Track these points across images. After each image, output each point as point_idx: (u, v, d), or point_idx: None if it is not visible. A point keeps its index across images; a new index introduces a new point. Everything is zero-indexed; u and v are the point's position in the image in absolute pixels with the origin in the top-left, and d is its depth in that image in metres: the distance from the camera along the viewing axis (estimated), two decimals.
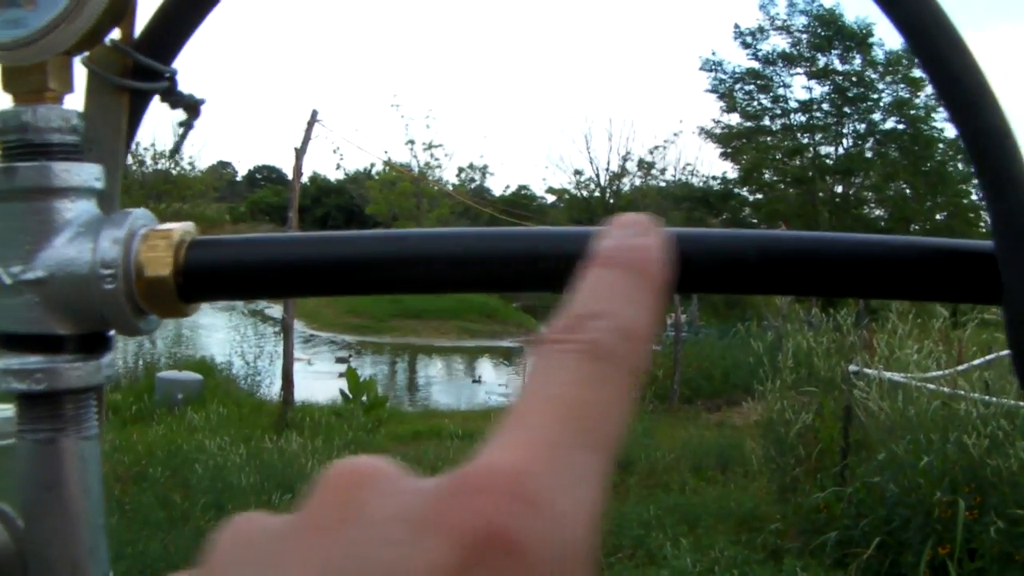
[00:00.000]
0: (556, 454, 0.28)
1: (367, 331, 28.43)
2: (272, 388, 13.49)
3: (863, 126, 37.31)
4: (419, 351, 26.77)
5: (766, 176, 38.78)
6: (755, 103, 38.75)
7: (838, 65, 37.04)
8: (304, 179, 13.57)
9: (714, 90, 39.32)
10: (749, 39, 38.20)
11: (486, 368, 24.44)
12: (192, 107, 0.63)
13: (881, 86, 36.59)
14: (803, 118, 37.88)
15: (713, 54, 42.84)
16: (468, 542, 0.25)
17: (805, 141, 37.96)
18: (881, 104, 36.73)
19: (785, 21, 37.38)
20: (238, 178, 60.61)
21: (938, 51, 0.48)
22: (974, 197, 34.38)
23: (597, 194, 44.58)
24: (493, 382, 21.30)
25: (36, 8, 0.53)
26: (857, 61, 36.78)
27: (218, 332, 20.45)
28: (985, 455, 5.80)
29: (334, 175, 50.24)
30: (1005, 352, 7.24)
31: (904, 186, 36.49)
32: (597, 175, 44.34)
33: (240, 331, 18.38)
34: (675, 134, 45.81)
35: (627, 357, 0.32)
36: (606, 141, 59.06)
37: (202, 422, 10.19)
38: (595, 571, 0.28)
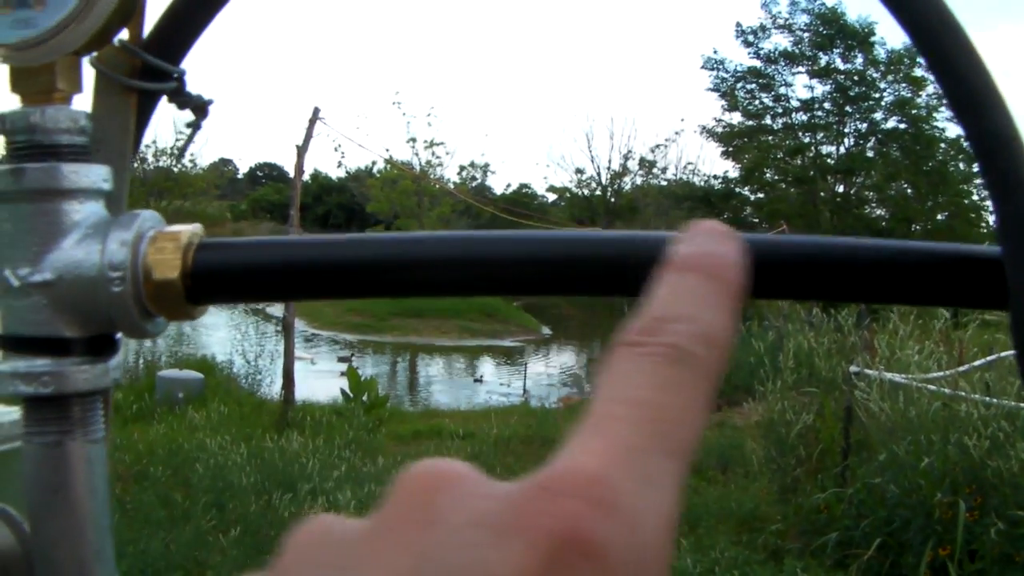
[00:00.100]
0: (634, 458, 0.28)
1: (368, 330, 28.45)
2: (273, 387, 13.49)
3: (865, 125, 37.33)
4: (420, 350, 26.80)
5: (767, 175, 38.80)
6: (757, 102, 38.78)
7: (840, 64, 37.07)
8: (306, 177, 13.61)
9: (716, 89, 39.37)
10: (751, 38, 38.24)
11: (487, 367, 24.46)
12: (200, 108, 0.63)
13: (883, 85, 36.61)
14: (805, 117, 37.89)
15: (715, 52, 42.79)
16: (549, 545, 0.25)
17: (807, 140, 37.96)
18: (883, 103, 36.74)
19: (787, 20, 37.42)
20: (239, 176, 60.66)
21: (945, 53, 0.48)
22: (975, 197, 34.43)
23: (598, 193, 44.69)
24: (494, 381, 21.33)
25: (45, 8, 0.53)
26: (859, 60, 36.80)
27: (219, 331, 20.46)
28: (986, 456, 5.80)
29: (336, 173, 50.38)
30: (1006, 353, 7.27)
31: (905, 186, 36.49)
32: (598, 174, 44.50)
33: (241, 330, 18.39)
34: (676, 133, 46.14)
35: (706, 362, 0.32)
36: (607, 140, 59.31)
37: (203, 421, 10.20)
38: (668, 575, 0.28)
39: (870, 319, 10.48)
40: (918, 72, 33.80)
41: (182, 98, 0.62)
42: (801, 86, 38.76)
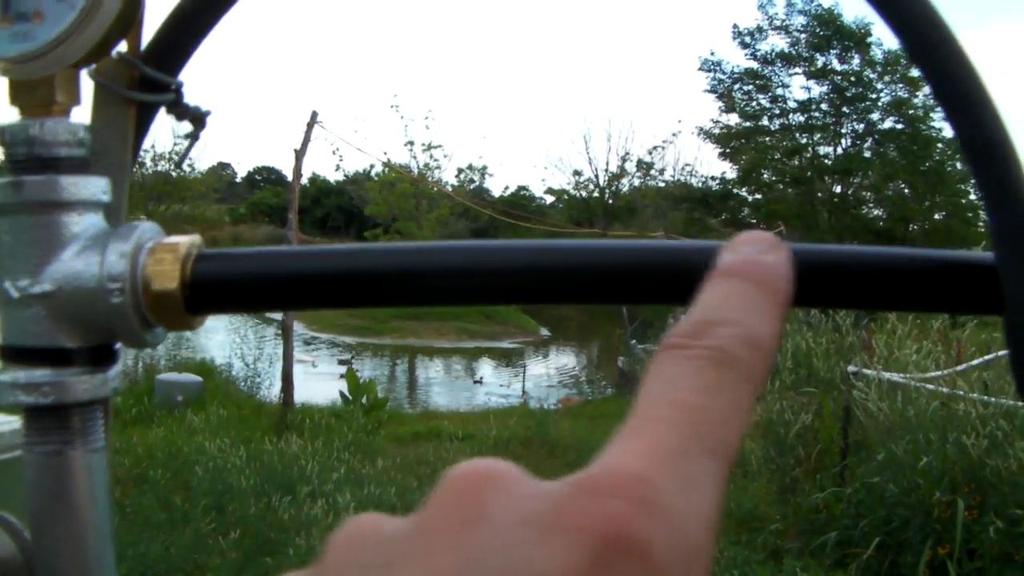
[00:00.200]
0: (676, 459, 0.29)
1: (367, 332, 28.46)
2: (272, 390, 13.49)
3: (862, 126, 37.35)
4: (418, 352, 26.79)
5: (765, 176, 38.79)
6: (754, 103, 38.79)
7: (836, 65, 37.07)
8: (304, 180, 13.58)
9: (713, 90, 39.38)
10: (748, 39, 38.26)
11: (486, 369, 24.45)
12: (198, 119, 0.63)
13: (880, 86, 36.60)
14: (802, 118, 37.89)
15: (712, 54, 42.80)
16: (595, 544, 0.25)
17: (804, 141, 37.97)
18: (880, 104, 36.75)
19: (784, 21, 37.45)
20: (238, 179, 60.75)
21: (936, 60, 0.49)
22: (973, 196, 34.36)
23: (596, 195, 44.65)
24: (493, 383, 21.32)
25: (44, 22, 0.54)
26: (855, 61, 36.81)
27: (218, 334, 20.45)
28: (984, 455, 5.80)
29: (334, 176, 50.24)
30: (1004, 352, 7.26)
31: (903, 186, 36.48)
32: (596, 176, 44.50)
33: (240, 333, 18.37)
34: (674, 134, 45.95)
35: (750, 366, 0.32)
36: (605, 142, 59.25)
37: (202, 424, 10.19)
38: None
39: (868, 319, 10.48)
40: (915, 72, 33.77)
41: (180, 109, 0.62)
42: (798, 87, 38.99)
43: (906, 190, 36.54)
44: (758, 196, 39.19)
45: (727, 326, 0.33)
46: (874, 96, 36.69)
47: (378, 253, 0.55)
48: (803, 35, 37.05)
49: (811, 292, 0.50)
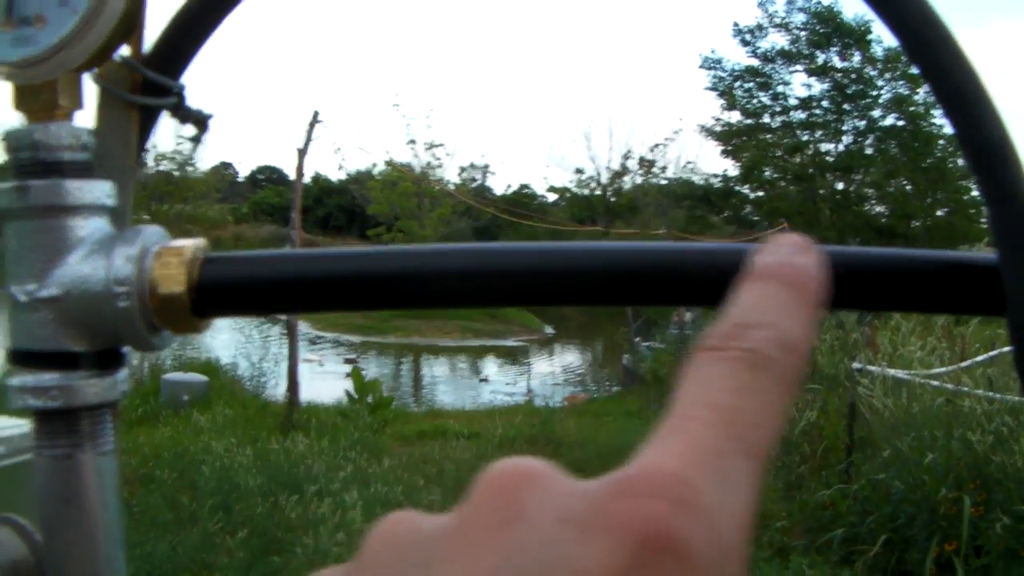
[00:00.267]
0: (712, 459, 0.29)
1: (371, 331, 28.46)
2: (277, 389, 13.49)
3: (863, 123, 37.31)
4: (423, 351, 26.79)
5: (767, 173, 38.77)
6: (755, 101, 38.77)
7: (837, 62, 37.06)
8: (306, 179, 13.58)
9: (714, 88, 39.37)
10: (748, 37, 38.25)
11: (490, 367, 24.45)
12: (201, 122, 0.63)
13: (880, 83, 36.57)
14: (803, 115, 37.88)
15: (713, 52, 43.02)
16: (635, 543, 0.26)
17: (805, 138, 37.95)
18: (880, 101, 36.72)
19: (784, 18, 37.44)
20: (240, 179, 60.69)
21: (938, 63, 0.49)
22: (974, 193, 34.29)
23: (598, 192, 44.62)
24: (498, 381, 21.32)
25: (46, 26, 0.54)
26: (856, 58, 36.78)
27: (223, 333, 20.44)
28: (990, 452, 5.80)
29: (336, 175, 50.35)
30: (1008, 348, 7.26)
31: (904, 182, 36.46)
32: (598, 173, 44.43)
33: (245, 332, 18.38)
34: (675, 132, 45.85)
35: (785, 367, 0.32)
36: (607, 139, 59.36)
37: (208, 423, 10.19)
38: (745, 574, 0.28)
39: (872, 316, 10.48)
40: (915, 69, 33.77)
41: (183, 112, 0.62)
42: (799, 84, 38.92)
43: (908, 187, 36.51)
44: (760, 193, 39.18)
45: (761, 329, 0.33)
46: (875, 93, 36.67)
47: (386, 256, 0.55)
48: (803, 32, 37.05)
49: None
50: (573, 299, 0.54)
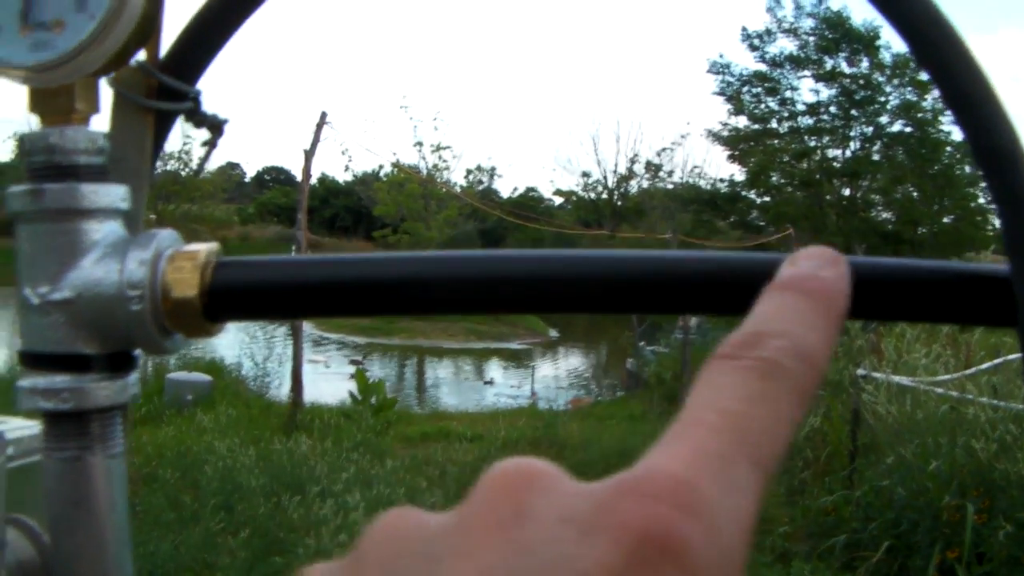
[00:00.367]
0: (718, 465, 0.29)
1: (376, 333, 28.43)
2: (281, 389, 13.48)
3: (870, 129, 37.18)
4: (427, 353, 26.76)
5: (774, 179, 38.64)
6: (762, 106, 38.65)
7: (845, 68, 36.92)
8: (313, 180, 13.56)
9: (721, 92, 39.25)
10: (756, 42, 38.14)
11: (494, 370, 24.42)
12: (215, 127, 0.64)
13: (888, 89, 36.46)
14: (810, 121, 37.76)
15: (721, 57, 42.74)
16: (635, 544, 0.26)
17: (812, 144, 37.83)
18: (888, 107, 36.60)
19: (792, 24, 37.31)
20: (247, 179, 60.75)
21: (949, 68, 0.49)
22: (982, 200, 34.28)
23: (605, 196, 44.62)
24: (502, 383, 21.29)
25: (64, 31, 0.54)
26: (864, 64, 36.65)
27: (228, 333, 20.40)
28: (993, 459, 5.79)
29: (343, 176, 50.24)
30: (1013, 356, 7.25)
31: (911, 189, 36.34)
32: (605, 177, 44.48)
33: (250, 332, 18.36)
34: (683, 136, 45.77)
35: (800, 378, 0.32)
36: (614, 143, 59.26)
37: (211, 423, 10.17)
38: None
39: (878, 323, 10.45)
40: (923, 76, 33.60)
41: (198, 117, 0.62)
42: (807, 90, 38.92)
43: (915, 193, 36.38)
44: (767, 198, 39.07)
45: (778, 338, 0.33)
46: (883, 99, 36.56)
47: (397, 262, 0.55)
48: (812, 38, 36.93)
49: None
50: (599, 307, 0.54)
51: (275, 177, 66.23)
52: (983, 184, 0.48)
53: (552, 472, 0.30)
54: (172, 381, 11.91)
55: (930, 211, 35.97)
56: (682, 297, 0.52)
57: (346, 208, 51.46)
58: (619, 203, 43.93)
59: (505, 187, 59.83)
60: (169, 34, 0.61)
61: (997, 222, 0.49)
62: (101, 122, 0.58)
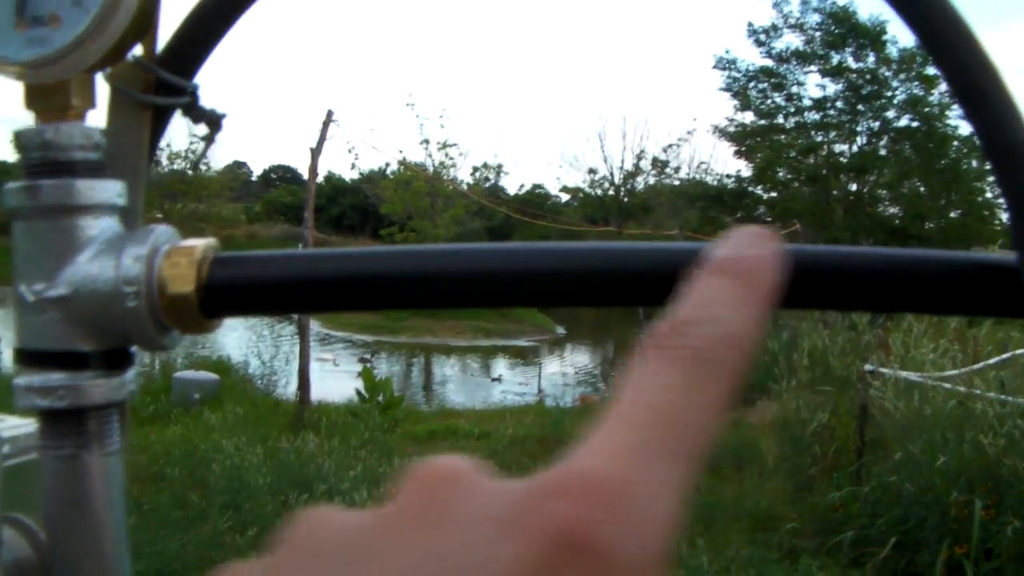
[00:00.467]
0: (641, 460, 0.29)
1: (383, 331, 28.44)
2: (288, 388, 13.48)
3: (877, 124, 37.16)
4: (434, 350, 26.78)
5: (780, 174, 38.63)
6: (769, 101, 38.63)
7: (852, 63, 36.89)
8: (319, 179, 13.57)
9: (728, 88, 39.25)
10: (763, 37, 38.11)
11: (502, 367, 24.42)
12: (214, 122, 0.63)
13: (895, 83, 36.43)
14: (817, 116, 37.73)
15: (727, 52, 42.73)
16: (550, 543, 0.26)
17: (819, 139, 37.81)
18: (895, 102, 36.57)
19: (799, 19, 37.27)
20: (253, 178, 60.81)
21: (959, 61, 0.48)
22: (988, 195, 34.26)
23: (611, 193, 44.62)
24: (509, 381, 21.28)
25: (60, 26, 0.54)
26: (871, 59, 36.62)
27: (235, 332, 20.46)
28: (1001, 455, 5.78)
29: (349, 175, 50.36)
30: (1021, 351, 7.24)
31: (918, 184, 36.31)
32: (611, 174, 44.48)
33: (256, 331, 18.39)
34: (689, 132, 45.81)
35: (728, 364, 0.32)
36: (620, 140, 59.30)
37: (219, 422, 10.18)
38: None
39: (884, 318, 10.45)
40: (930, 70, 33.63)
41: (196, 112, 0.62)
42: (813, 85, 38.70)
43: (921, 188, 36.36)
44: (773, 194, 39.06)
45: (706, 325, 0.33)
46: (889, 94, 36.52)
47: (394, 256, 0.55)
48: (818, 33, 36.90)
49: (826, 294, 0.50)
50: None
51: (282, 175, 66.35)
52: (991, 179, 0.48)
53: (474, 471, 0.30)
54: (179, 380, 11.93)
55: (937, 206, 35.94)
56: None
57: (353, 206, 51.44)
58: (625, 200, 43.93)
59: (512, 184, 59.88)
60: (166, 28, 0.60)
61: (1005, 216, 0.48)
62: (98, 118, 0.58)
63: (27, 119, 0.56)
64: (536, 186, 54.01)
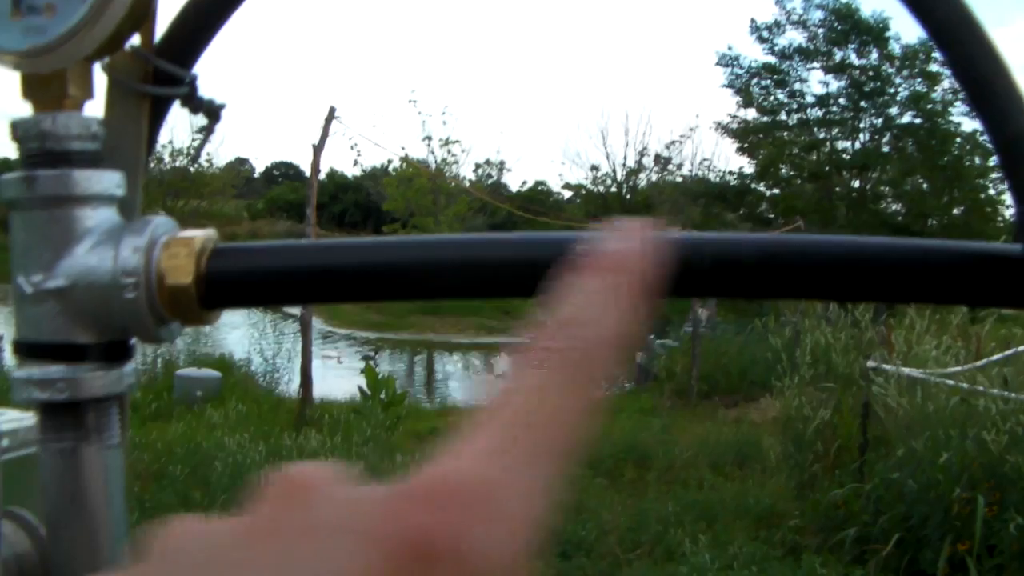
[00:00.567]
0: (506, 463, 0.29)
1: (386, 328, 28.48)
2: (291, 385, 13.49)
3: (880, 121, 37.09)
4: (437, 348, 26.80)
5: (783, 171, 38.58)
6: (771, 98, 38.56)
7: (855, 59, 36.83)
8: (322, 176, 13.57)
9: (730, 85, 39.17)
10: (765, 33, 38.04)
11: (504, 364, 24.47)
12: (213, 112, 0.63)
13: (898, 80, 36.38)
14: (820, 113, 37.68)
15: (729, 49, 42.71)
16: (405, 550, 0.26)
17: (822, 136, 37.76)
18: (898, 99, 36.50)
19: (801, 15, 37.21)
20: (256, 175, 60.88)
21: (970, 59, 0.48)
22: (992, 192, 34.25)
23: (614, 190, 44.60)
24: None
25: (56, 15, 0.53)
26: (874, 55, 36.56)
27: (237, 329, 20.47)
28: (1004, 451, 5.77)
29: (352, 171, 50.27)
30: None
31: (921, 181, 36.28)
32: (614, 170, 44.39)
33: (259, 328, 18.40)
34: (691, 129, 45.76)
35: (597, 364, 0.32)
36: (623, 136, 59.08)
37: (221, 419, 10.19)
38: None
39: (887, 314, 10.45)
40: (933, 67, 33.66)
41: (195, 103, 0.62)
42: (816, 82, 38.55)
43: (924, 185, 36.34)
44: (776, 191, 39.01)
45: (577, 325, 0.33)
46: (892, 91, 36.47)
47: (392, 246, 0.55)
48: (821, 30, 36.84)
49: (833, 285, 0.50)
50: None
51: (284, 172, 66.44)
52: (994, 176, 0.48)
53: (336, 478, 0.30)
54: (182, 377, 11.95)
55: (940, 203, 35.91)
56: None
57: (355, 203, 51.45)
58: (628, 196, 43.90)
59: (514, 181, 59.96)
60: (164, 18, 0.60)
61: (1008, 213, 0.48)
62: (96, 108, 0.58)
63: (24, 109, 0.56)
64: (539, 183, 53.93)
